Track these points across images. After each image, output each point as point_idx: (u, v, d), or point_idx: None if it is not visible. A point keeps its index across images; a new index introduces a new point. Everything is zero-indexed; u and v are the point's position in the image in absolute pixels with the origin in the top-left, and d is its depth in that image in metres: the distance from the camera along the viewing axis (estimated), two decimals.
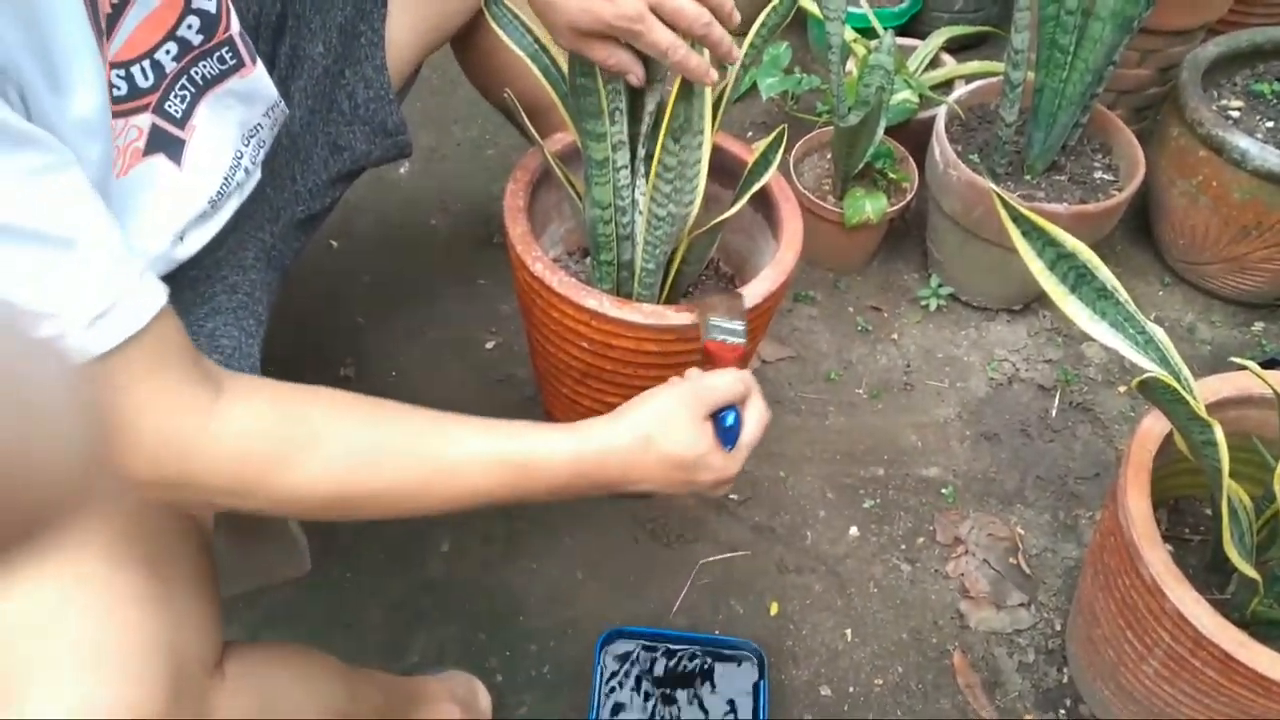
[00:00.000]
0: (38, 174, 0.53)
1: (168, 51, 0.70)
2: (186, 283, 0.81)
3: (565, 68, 0.92)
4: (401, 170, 1.66)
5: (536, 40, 0.93)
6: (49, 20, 0.55)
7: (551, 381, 1.08)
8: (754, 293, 0.94)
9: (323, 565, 1.17)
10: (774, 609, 1.17)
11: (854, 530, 1.25)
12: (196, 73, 0.73)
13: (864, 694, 1.11)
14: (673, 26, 0.77)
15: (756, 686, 1.07)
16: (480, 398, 1.35)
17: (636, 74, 0.81)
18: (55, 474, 0.29)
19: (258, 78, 0.79)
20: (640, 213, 0.95)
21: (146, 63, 0.68)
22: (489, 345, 1.42)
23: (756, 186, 0.95)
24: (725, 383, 0.75)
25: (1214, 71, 1.49)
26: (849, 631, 1.16)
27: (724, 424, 0.75)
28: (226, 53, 0.75)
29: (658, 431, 0.73)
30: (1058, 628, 1.16)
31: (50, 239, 0.53)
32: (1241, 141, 1.34)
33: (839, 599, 1.18)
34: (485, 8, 0.91)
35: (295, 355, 1.38)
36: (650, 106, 0.88)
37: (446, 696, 1.00)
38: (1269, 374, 0.85)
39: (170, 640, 0.62)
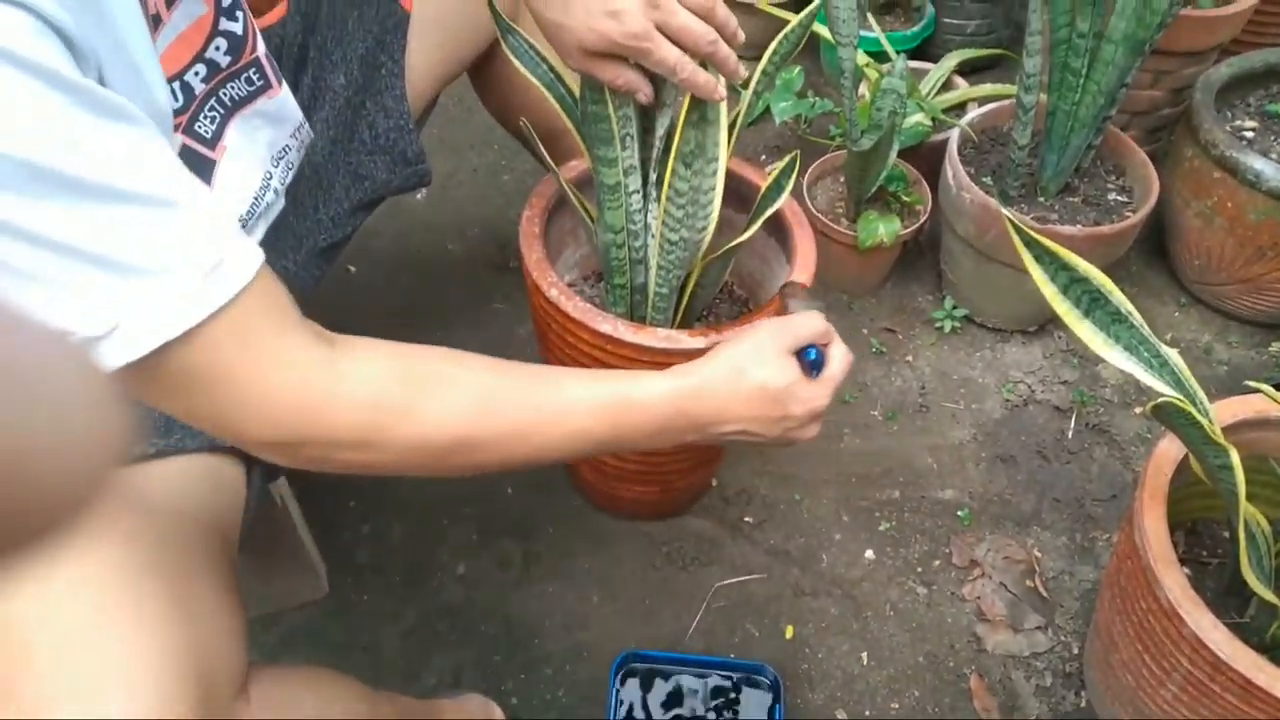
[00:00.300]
0: (135, 143, 0.54)
1: (196, 73, 0.71)
2: None
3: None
4: (418, 196, 1.68)
5: (552, 69, 0.94)
6: (121, 19, 0.57)
7: None
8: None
9: (339, 589, 1.18)
10: (789, 632, 1.17)
11: (870, 553, 1.25)
12: (225, 94, 0.74)
13: (880, 718, 1.10)
14: (679, 44, 0.78)
15: (772, 710, 1.07)
16: None
17: (645, 92, 0.82)
18: (66, 472, 0.29)
19: (285, 99, 0.80)
20: (653, 236, 0.96)
21: (176, 84, 0.69)
22: None
23: (770, 211, 0.96)
24: (809, 321, 0.80)
25: (1227, 92, 1.49)
26: (865, 655, 1.15)
27: (808, 358, 0.79)
28: (254, 74, 0.77)
29: (748, 363, 0.76)
30: (1075, 651, 1.16)
31: (154, 200, 0.54)
32: (1256, 163, 1.34)
33: (855, 622, 1.18)
34: (501, 38, 0.92)
35: None
36: (660, 130, 0.89)
37: (464, 717, 1.00)
38: None
39: (199, 659, 0.62)
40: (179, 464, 0.71)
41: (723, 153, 0.90)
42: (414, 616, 1.16)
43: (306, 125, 0.86)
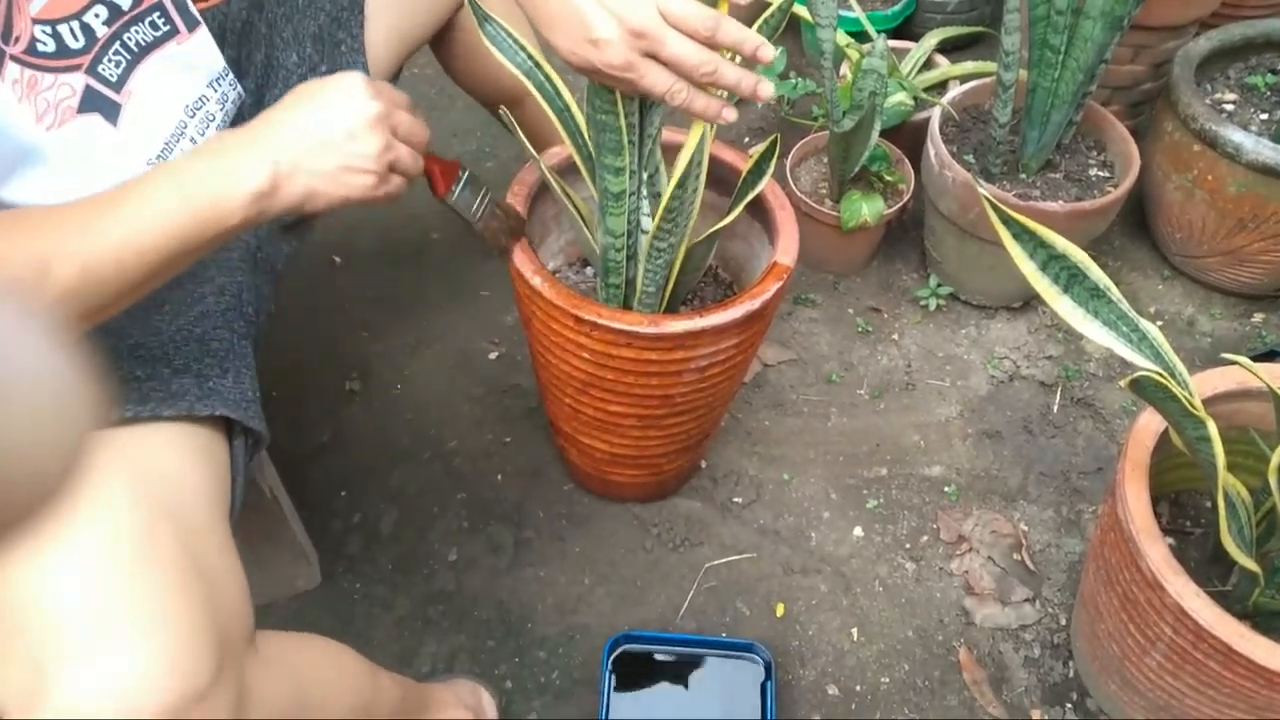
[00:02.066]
0: None
1: (97, 15, 0.73)
2: (176, 284, 0.83)
3: (559, 83, 0.93)
4: None
5: (530, 56, 0.94)
6: None
7: (554, 391, 1.09)
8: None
9: (332, 578, 1.18)
10: (780, 610, 1.18)
11: (858, 530, 1.26)
12: (129, 38, 0.76)
13: (871, 692, 1.12)
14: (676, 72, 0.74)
15: (764, 687, 1.08)
16: (485, 408, 1.37)
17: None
18: (38, 452, 0.29)
19: (198, 47, 0.81)
20: (644, 233, 0.96)
21: (75, 24, 0.71)
22: (492, 356, 1.43)
23: (752, 195, 0.96)
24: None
25: (1207, 66, 1.50)
26: (855, 631, 1.16)
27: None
28: (158, 18, 0.77)
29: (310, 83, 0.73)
30: (1063, 623, 1.17)
31: None
32: (1235, 135, 1.35)
33: (844, 599, 1.19)
34: (479, 27, 0.92)
35: (300, 370, 1.39)
36: (652, 129, 0.89)
37: (455, 702, 1.01)
38: (1260, 367, 0.86)
39: (214, 609, 0.63)
40: (162, 431, 0.71)
41: (706, 155, 0.91)
42: (407, 604, 1.17)
43: (232, 79, 0.86)
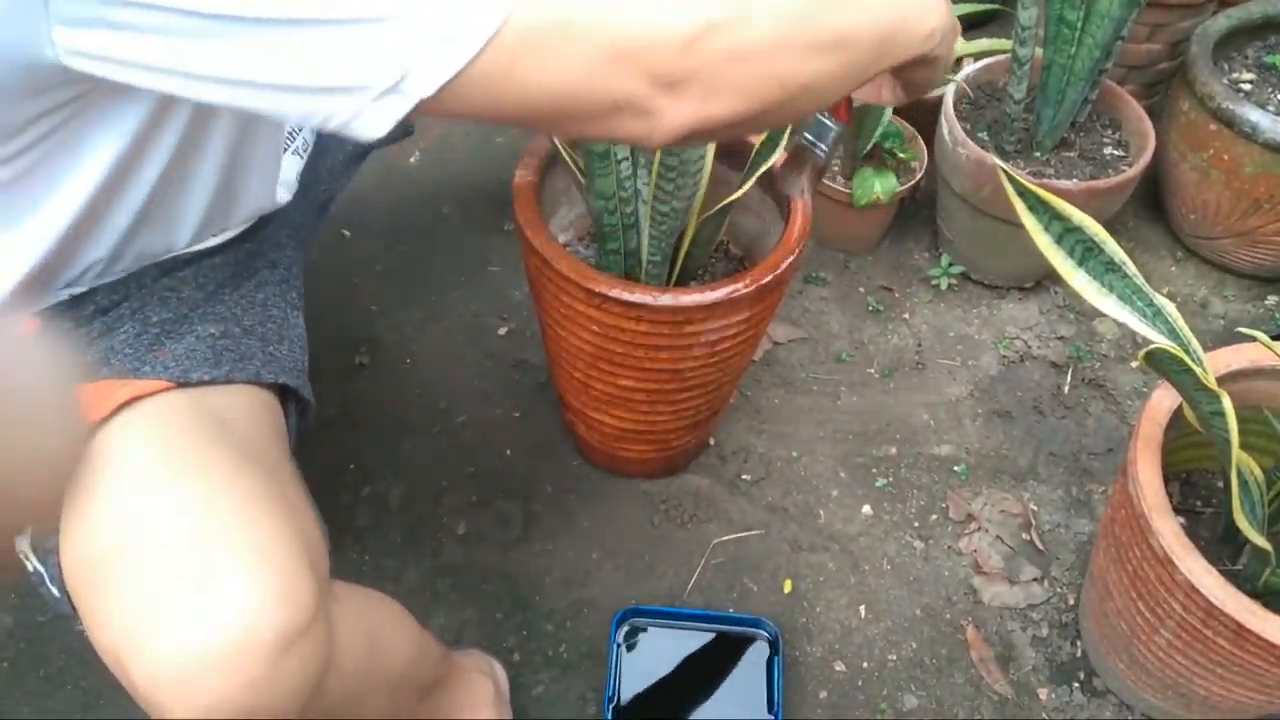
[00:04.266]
0: None
1: None
2: (243, 256, 0.83)
3: None
4: (412, 160, 1.67)
5: None
6: None
7: (564, 365, 1.09)
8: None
9: (340, 551, 1.19)
10: (788, 587, 1.18)
11: (867, 509, 1.26)
12: None
13: (878, 669, 1.12)
14: None
15: (771, 663, 1.08)
16: (494, 383, 1.37)
17: None
18: (40, 463, 0.30)
19: None
20: (644, 202, 0.96)
21: None
22: (502, 331, 1.43)
23: (763, 168, 0.96)
24: None
25: (1225, 44, 1.48)
26: (863, 608, 1.16)
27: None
28: None
29: None
30: (1071, 602, 1.17)
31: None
32: (1253, 114, 1.34)
33: (852, 576, 1.19)
34: None
35: (310, 344, 1.39)
36: None
37: (476, 669, 1.02)
38: (1277, 344, 0.86)
39: (304, 539, 0.63)
40: (232, 391, 0.72)
41: None
42: (415, 577, 1.17)
43: None
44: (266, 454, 0.69)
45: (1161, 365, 0.80)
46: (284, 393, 0.79)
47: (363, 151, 1.04)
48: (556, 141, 0.96)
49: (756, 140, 0.99)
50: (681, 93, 0.54)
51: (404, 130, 1.07)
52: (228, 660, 0.56)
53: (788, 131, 0.95)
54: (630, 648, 1.09)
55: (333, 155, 1.00)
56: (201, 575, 0.58)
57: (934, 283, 1.51)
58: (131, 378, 0.67)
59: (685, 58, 0.53)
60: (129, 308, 0.75)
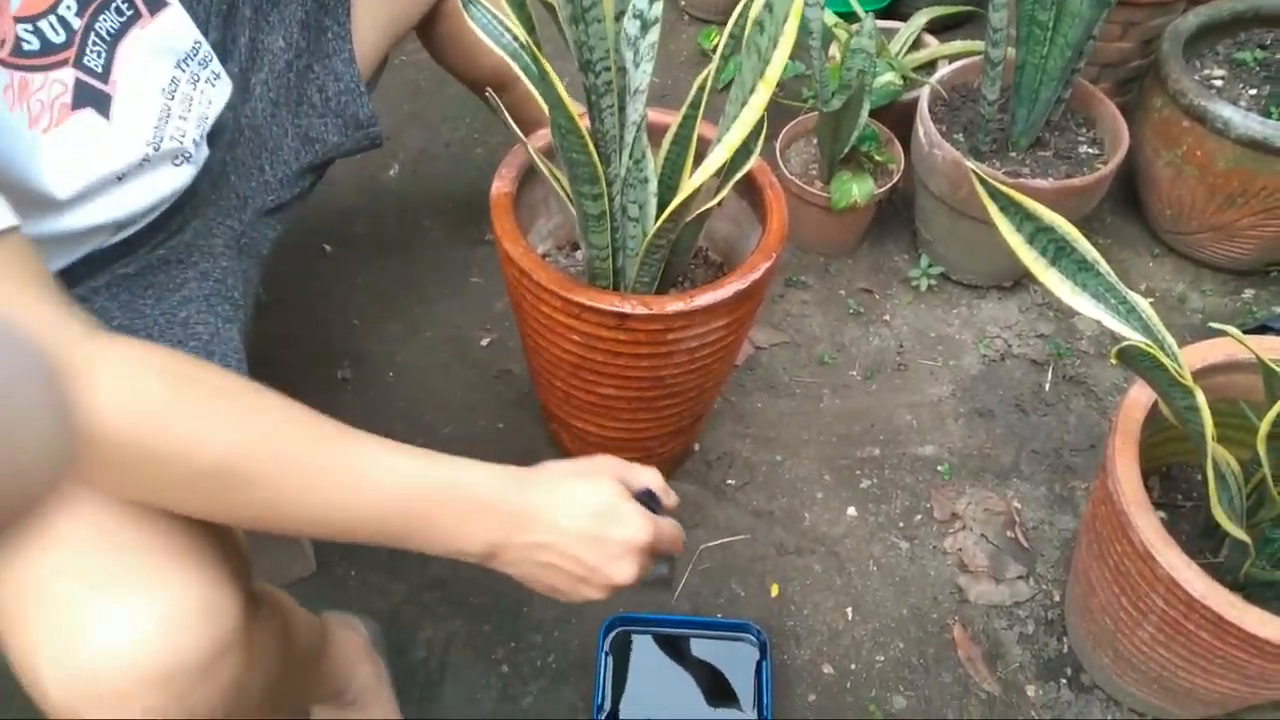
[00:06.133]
0: None
1: (69, 7, 0.72)
2: (158, 265, 0.83)
3: (545, 64, 0.93)
4: (391, 172, 1.68)
5: (516, 38, 0.94)
6: None
7: (546, 376, 1.09)
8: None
9: (327, 565, 1.18)
10: (775, 590, 1.18)
11: (852, 510, 1.26)
12: (100, 26, 0.75)
13: (866, 671, 1.12)
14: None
15: (759, 667, 1.08)
16: (478, 394, 1.37)
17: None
18: (33, 468, 0.30)
19: (161, 30, 0.80)
20: (640, 235, 0.97)
21: (53, 17, 0.71)
22: (484, 342, 1.43)
23: (739, 175, 0.96)
24: (651, 472, 0.75)
25: (1196, 42, 1.50)
26: (849, 610, 1.17)
27: (642, 498, 0.74)
28: (122, 3, 0.77)
29: (578, 474, 0.71)
30: (1056, 599, 1.18)
31: None
32: (1224, 110, 1.35)
33: (839, 578, 1.20)
34: (464, 9, 0.91)
35: (292, 359, 1.39)
36: (632, 118, 0.90)
37: (342, 624, 1.02)
38: (1250, 338, 0.86)
39: (230, 556, 0.63)
40: None
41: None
42: (402, 590, 1.17)
43: (205, 62, 0.85)
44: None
45: (1135, 362, 0.80)
46: None
47: (319, 163, 1.04)
48: (532, 152, 0.96)
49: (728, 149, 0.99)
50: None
51: (370, 141, 1.07)
52: (155, 679, 0.56)
53: (761, 137, 0.96)
54: (619, 656, 1.09)
55: (285, 164, 1.00)
56: (121, 591, 0.57)
57: (914, 284, 1.52)
58: None
59: None
60: None
